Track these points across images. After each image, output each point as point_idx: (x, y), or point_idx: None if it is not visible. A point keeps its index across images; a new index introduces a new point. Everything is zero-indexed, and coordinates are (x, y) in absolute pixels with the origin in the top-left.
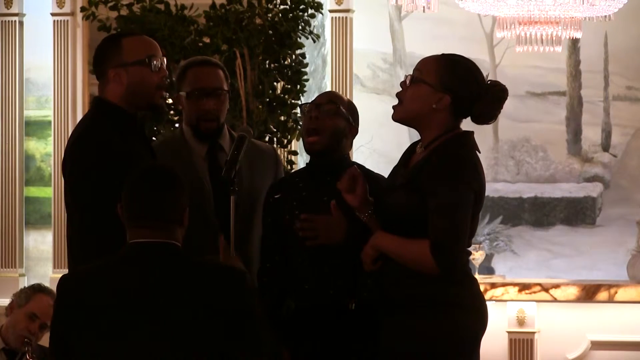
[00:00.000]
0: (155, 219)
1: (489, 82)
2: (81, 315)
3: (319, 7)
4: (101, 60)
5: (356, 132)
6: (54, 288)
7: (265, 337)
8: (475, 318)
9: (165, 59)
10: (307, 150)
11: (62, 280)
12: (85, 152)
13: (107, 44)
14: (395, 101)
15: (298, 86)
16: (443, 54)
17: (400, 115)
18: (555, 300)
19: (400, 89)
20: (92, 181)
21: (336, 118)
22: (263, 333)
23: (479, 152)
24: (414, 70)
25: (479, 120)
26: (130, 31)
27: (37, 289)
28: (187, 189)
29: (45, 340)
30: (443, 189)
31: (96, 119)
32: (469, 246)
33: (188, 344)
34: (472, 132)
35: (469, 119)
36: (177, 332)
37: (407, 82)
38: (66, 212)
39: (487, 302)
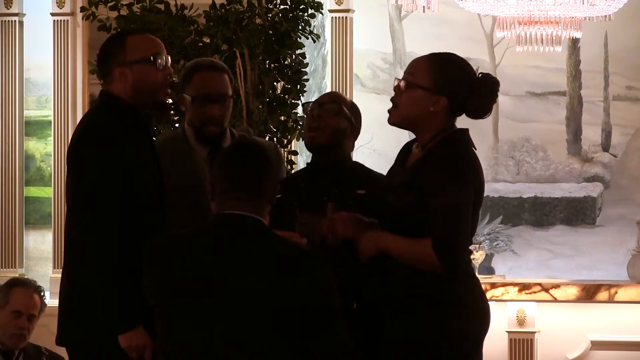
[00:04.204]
0: (246, 192)
1: (479, 76)
2: (164, 279)
3: (319, 7)
4: (106, 58)
5: (358, 133)
6: (54, 288)
7: (344, 329)
8: (477, 318)
9: (169, 57)
10: (308, 146)
11: (152, 243)
12: (89, 146)
13: (111, 43)
14: None
15: (298, 86)
16: (432, 54)
17: (398, 119)
18: (555, 300)
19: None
20: (94, 176)
21: (338, 117)
22: (341, 324)
23: (475, 149)
24: (406, 74)
25: (474, 115)
26: (134, 29)
27: (12, 285)
28: (278, 169)
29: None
30: (443, 188)
31: (101, 113)
32: (471, 244)
33: (260, 317)
34: (467, 130)
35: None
36: (250, 302)
37: (402, 86)
38: (67, 206)
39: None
